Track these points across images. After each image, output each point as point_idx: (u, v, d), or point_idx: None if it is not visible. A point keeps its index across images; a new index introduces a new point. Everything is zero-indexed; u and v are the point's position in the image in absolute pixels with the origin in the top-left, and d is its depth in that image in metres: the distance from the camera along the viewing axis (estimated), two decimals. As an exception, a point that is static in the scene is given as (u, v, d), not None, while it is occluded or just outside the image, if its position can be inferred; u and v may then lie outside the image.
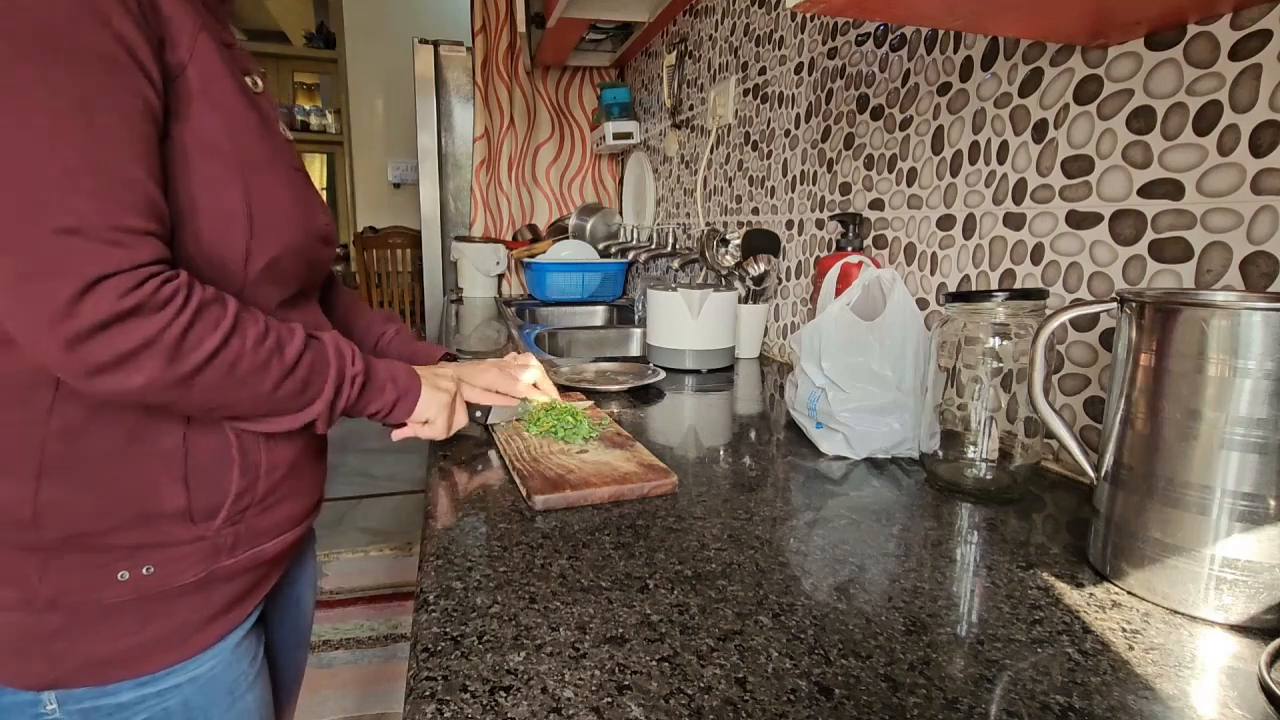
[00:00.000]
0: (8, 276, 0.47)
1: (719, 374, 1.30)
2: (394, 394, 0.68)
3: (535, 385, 0.88)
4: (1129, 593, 0.52)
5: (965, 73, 0.94)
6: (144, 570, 0.58)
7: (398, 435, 0.73)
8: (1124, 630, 0.47)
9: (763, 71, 1.53)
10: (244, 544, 0.63)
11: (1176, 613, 0.50)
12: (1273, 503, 0.46)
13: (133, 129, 0.51)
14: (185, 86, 0.56)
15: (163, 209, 0.53)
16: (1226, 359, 0.46)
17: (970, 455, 0.71)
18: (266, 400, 0.58)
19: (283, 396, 0.59)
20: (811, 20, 1.32)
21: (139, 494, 0.57)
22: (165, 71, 0.55)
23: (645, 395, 1.13)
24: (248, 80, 0.63)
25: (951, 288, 0.99)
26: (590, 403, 1.00)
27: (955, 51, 0.96)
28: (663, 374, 1.19)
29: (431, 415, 0.71)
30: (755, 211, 1.59)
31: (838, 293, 0.90)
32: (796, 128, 1.39)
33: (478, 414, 0.85)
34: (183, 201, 0.56)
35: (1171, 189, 0.69)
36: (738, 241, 1.45)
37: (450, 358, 0.91)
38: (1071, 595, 0.52)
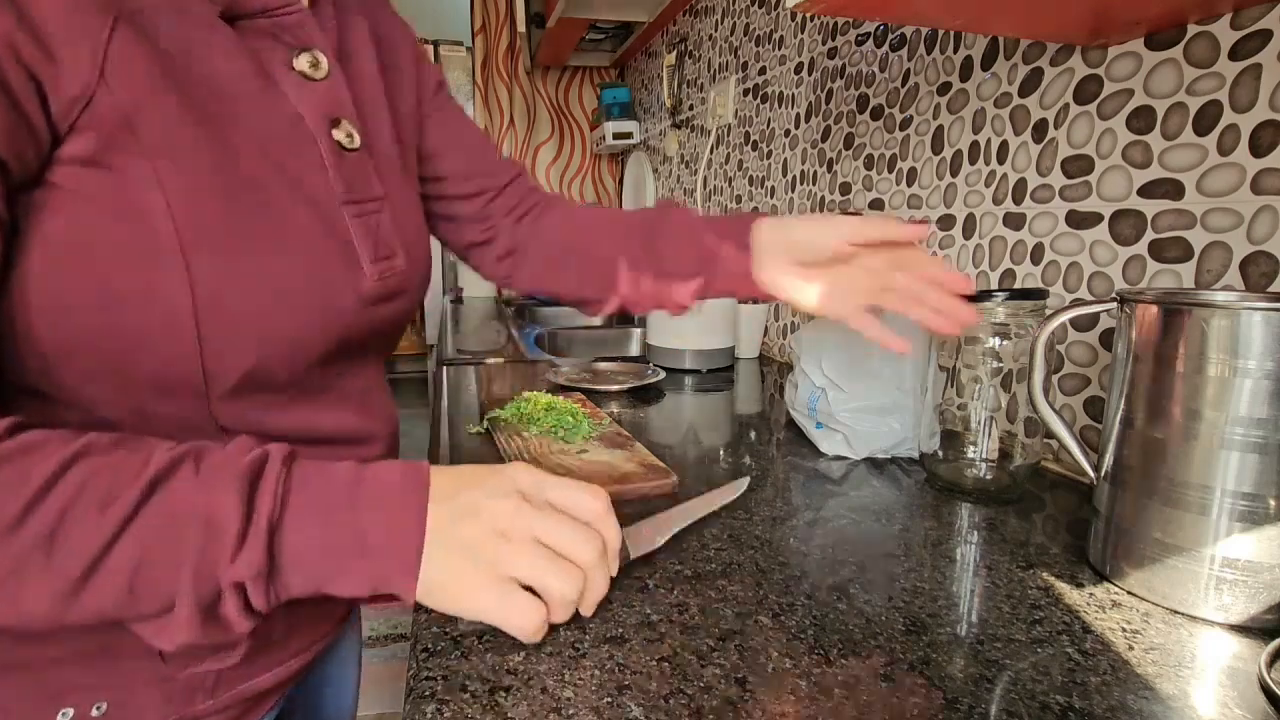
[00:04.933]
0: None
1: (719, 374, 1.30)
2: (367, 576, 0.40)
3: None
4: (1129, 593, 0.52)
5: (965, 73, 0.94)
6: (94, 710, 0.45)
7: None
8: (1124, 630, 0.47)
9: (763, 71, 1.53)
10: (229, 682, 0.49)
11: (1176, 613, 0.50)
12: (1273, 503, 0.46)
13: None
14: (97, 121, 0.36)
15: None
16: (1226, 359, 0.46)
17: (970, 455, 0.71)
18: (45, 614, 0.36)
19: (80, 609, 0.36)
20: (811, 20, 1.32)
21: (98, 625, 0.40)
22: (50, 109, 0.35)
23: (645, 395, 1.13)
24: (303, 58, 0.42)
25: (951, 288, 0.98)
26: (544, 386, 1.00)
27: (955, 51, 0.96)
28: (662, 374, 1.19)
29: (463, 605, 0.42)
30: (755, 211, 1.59)
31: (838, 293, 0.90)
32: (796, 127, 1.39)
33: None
34: (90, 295, 0.37)
35: (1171, 189, 0.69)
36: (738, 241, 1.45)
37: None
38: (1071, 595, 0.52)
